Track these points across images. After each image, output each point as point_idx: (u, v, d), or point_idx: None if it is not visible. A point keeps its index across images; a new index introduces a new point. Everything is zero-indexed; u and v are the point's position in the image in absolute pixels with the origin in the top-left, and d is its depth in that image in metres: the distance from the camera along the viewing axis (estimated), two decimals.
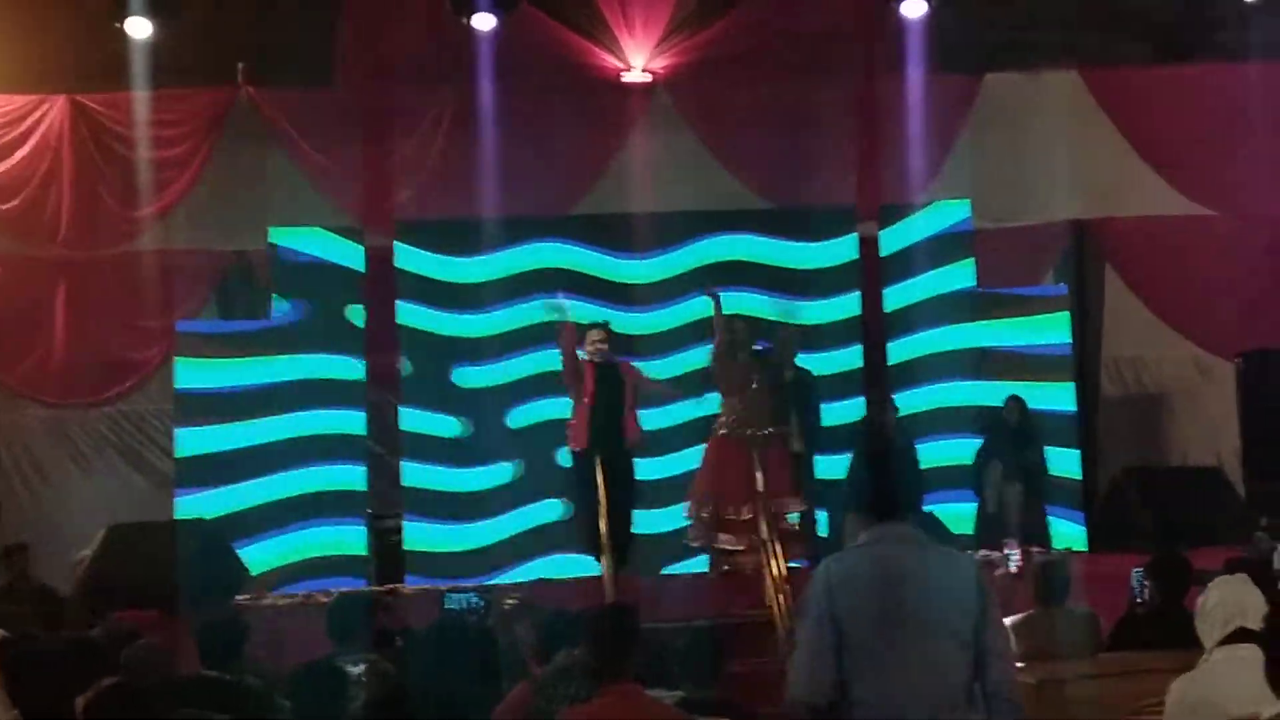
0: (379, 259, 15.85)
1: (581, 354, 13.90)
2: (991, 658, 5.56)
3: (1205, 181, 16.68)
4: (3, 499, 15.59)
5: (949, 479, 15.39)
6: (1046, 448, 15.17)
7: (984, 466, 14.97)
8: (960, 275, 15.99)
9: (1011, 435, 14.87)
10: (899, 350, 15.97)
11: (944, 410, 15.75)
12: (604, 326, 14.20)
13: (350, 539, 15.22)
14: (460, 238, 15.97)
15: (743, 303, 15.60)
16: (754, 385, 13.94)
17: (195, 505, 14.86)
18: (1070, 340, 16.07)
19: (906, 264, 16.04)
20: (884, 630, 5.50)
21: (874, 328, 15.99)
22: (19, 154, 16.14)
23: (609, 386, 13.80)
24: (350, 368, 15.51)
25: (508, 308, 15.87)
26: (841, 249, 16.17)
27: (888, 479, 5.87)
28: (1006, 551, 10.29)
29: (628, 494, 13.79)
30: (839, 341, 15.72)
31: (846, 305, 16.06)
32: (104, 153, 16.22)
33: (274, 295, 15.73)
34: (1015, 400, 14.97)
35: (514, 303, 15.88)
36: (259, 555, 14.32)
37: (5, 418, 15.87)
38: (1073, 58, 17.22)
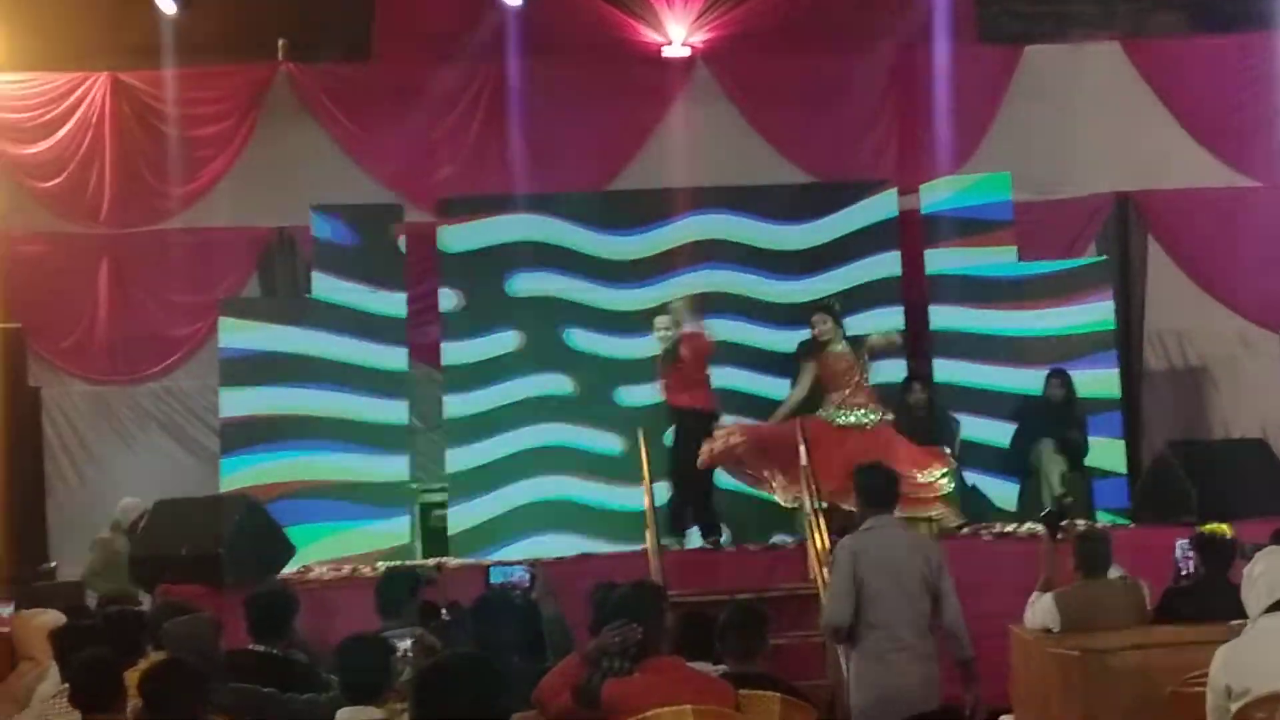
0: (420, 234, 15.84)
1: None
2: (945, 598, 8.66)
3: (1248, 152, 16.63)
4: (49, 475, 15.67)
5: (988, 457, 15.37)
6: (1089, 421, 15.09)
7: (1026, 442, 14.90)
8: (1001, 256, 15.89)
9: (1055, 411, 14.79)
10: (939, 318, 15.90)
11: (984, 390, 15.66)
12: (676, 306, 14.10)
13: (394, 527, 15.21)
14: (499, 211, 15.98)
15: (772, 281, 15.67)
16: (857, 378, 13.64)
17: (240, 471, 14.90)
18: (1113, 314, 15.98)
19: (946, 234, 15.94)
20: (883, 581, 8.57)
21: (915, 291, 15.91)
22: (61, 132, 16.25)
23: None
24: (393, 356, 15.48)
25: (538, 279, 15.93)
26: (881, 213, 16.09)
27: (882, 483, 9.02)
28: (1042, 518, 10.26)
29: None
30: (880, 303, 15.60)
31: (887, 265, 15.98)
32: (145, 130, 16.32)
33: (314, 277, 15.71)
34: (1059, 375, 14.87)
35: (543, 274, 15.93)
36: (303, 536, 14.32)
37: (50, 394, 15.95)
38: (1113, 28, 17.17)
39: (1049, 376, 14.89)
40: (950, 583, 8.69)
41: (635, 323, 15.43)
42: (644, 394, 15.03)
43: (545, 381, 15.78)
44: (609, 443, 15.45)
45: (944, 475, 13.43)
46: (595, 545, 14.53)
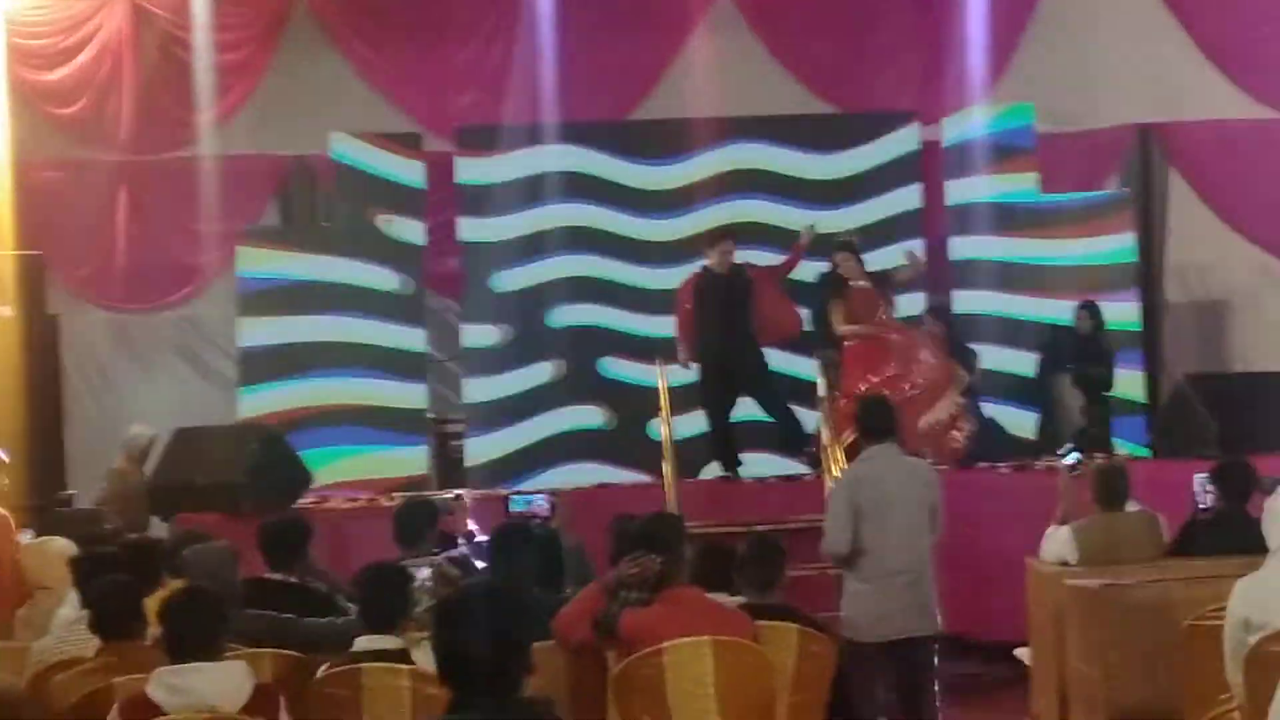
0: (440, 163, 15.81)
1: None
2: (935, 516, 9.18)
3: (1273, 85, 16.49)
4: (67, 402, 15.69)
5: (1007, 387, 15.34)
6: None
7: (1048, 374, 14.88)
8: (1023, 184, 15.83)
9: (1080, 343, 14.74)
10: (960, 249, 15.85)
11: (1004, 319, 15.64)
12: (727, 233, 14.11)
13: (410, 455, 15.24)
14: (516, 141, 15.94)
15: (799, 211, 15.58)
16: (882, 314, 13.69)
17: (258, 399, 14.95)
18: (1135, 248, 15.92)
19: (968, 164, 15.85)
20: (880, 508, 9.03)
21: (935, 224, 15.86)
22: (80, 58, 16.21)
23: (722, 296, 13.71)
24: (411, 283, 15.47)
25: (553, 208, 15.91)
26: (903, 147, 16.03)
27: (881, 415, 9.54)
28: (1066, 457, 10.23)
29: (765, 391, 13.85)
30: (900, 236, 15.56)
31: (907, 199, 15.93)
32: (165, 56, 16.27)
33: (333, 205, 15.70)
34: (1087, 307, 14.79)
35: (558, 203, 15.91)
36: (320, 460, 14.34)
37: (68, 321, 15.95)
38: None
39: (1078, 308, 14.83)
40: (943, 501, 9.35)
41: (665, 253, 15.53)
42: (663, 325, 15.06)
43: (571, 312, 15.80)
44: (634, 372, 15.40)
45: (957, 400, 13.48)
46: (616, 475, 14.60)
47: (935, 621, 9.26)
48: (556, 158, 15.95)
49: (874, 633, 8.96)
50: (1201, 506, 10.00)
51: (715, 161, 16.01)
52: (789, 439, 13.90)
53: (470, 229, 15.79)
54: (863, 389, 12.84)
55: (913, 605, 9.05)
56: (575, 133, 16.04)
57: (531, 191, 15.87)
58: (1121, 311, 15.34)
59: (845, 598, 9.19)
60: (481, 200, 15.79)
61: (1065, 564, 9.35)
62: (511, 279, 15.78)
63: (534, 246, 15.85)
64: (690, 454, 14.00)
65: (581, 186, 15.93)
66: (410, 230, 15.49)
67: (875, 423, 9.49)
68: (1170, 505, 9.93)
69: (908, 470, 9.35)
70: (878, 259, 14.30)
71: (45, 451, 14.70)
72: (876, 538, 9.00)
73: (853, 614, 9.09)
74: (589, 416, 15.69)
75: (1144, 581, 8.69)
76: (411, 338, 15.43)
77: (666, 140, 16.11)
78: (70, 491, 14.65)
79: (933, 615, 9.21)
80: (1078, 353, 14.72)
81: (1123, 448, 14.25)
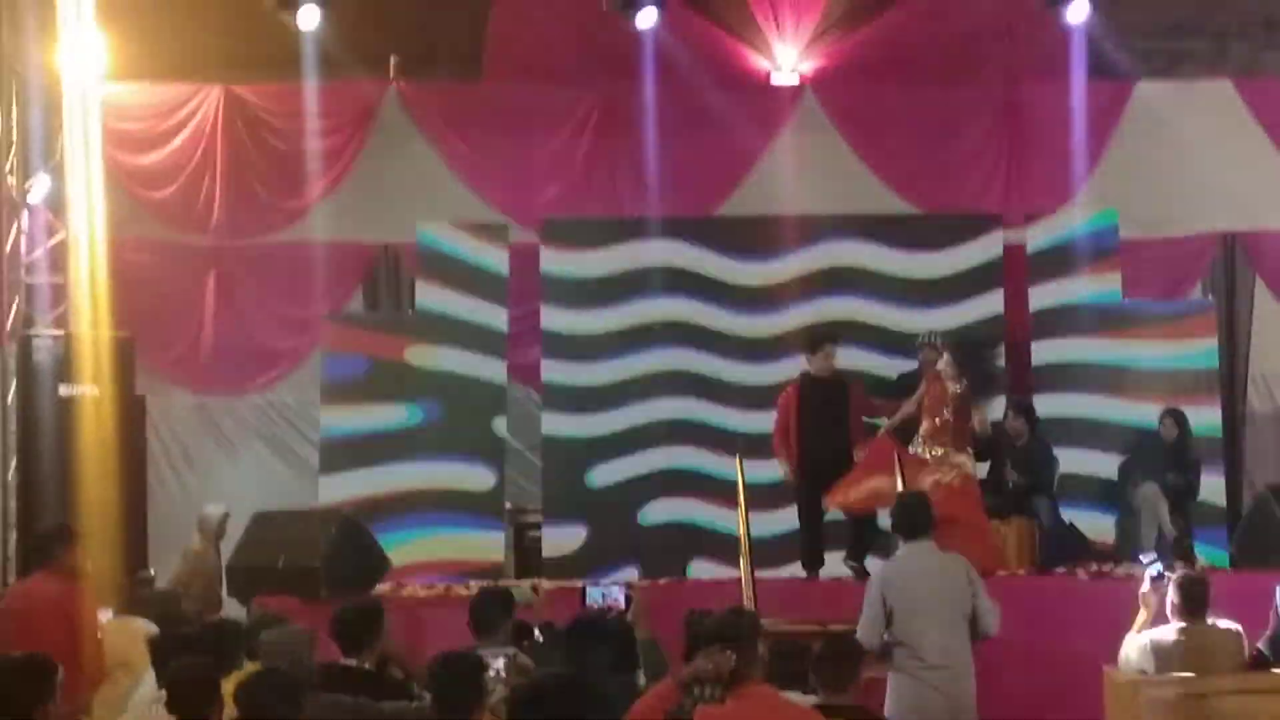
0: (524, 254, 15.93)
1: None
2: (981, 614, 9.40)
3: None
4: (152, 485, 15.81)
5: (1087, 490, 15.26)
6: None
7: (1131, 479, 14.77)
8: (1106, 286, 15.80)
9: (1165, 450, 14.65)
10: (1042, 354, 15.81)
11: (1084, 421, 15.57)
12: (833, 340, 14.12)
13: (487, 541, 15.33)
14: (602, 235, 16.06)
15: (877, 310, 15.69)
16: (948, 415, 13.66)
17: (338, 484, 15.07)
18: (1217, 356, 15.86)
19: (1052, 270, 15.86)
20: (912, 606, 9.36)
21: (1017, 332, 15.83)
22: (174, 143, 16.41)
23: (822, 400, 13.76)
24: (492, 368, 15.58)
25: (640, 303, 15.98)
26: (985, 250, 16.03)
27: (914, 513, 9.89)
28: (1150, 566, 10.15)
29: None
30: (985, 342, 15.53)
31: (988, 305, 15.91)
32: (256, 143, 16.47)
33: (418, 290, 15.86)
34: (1173, 414, 14.71)
35: (649, 299, 15.97)
36: (398, 546, 14.41)
37: (155, 404, 16.06)
38: (1226, 67, 17.05)
39: (1163, 414, 14.75)
40: (986, 597, 9.56)
41: (756, 349, 15.68)
42: (751, 420, 15.13)
43: (658, 407, 15.86)
44: (717, 466, 15.39)
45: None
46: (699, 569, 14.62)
47: (973, 716, 9.53)
48: (644, 252, 16.04)
49: None
50: None
51: (804, 259, 16.07)
52: (854, 548, 13.81)
53: (554, 318, 15.86)
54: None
55: (953, 700, 9.35)
56: (661, 228, 16.16)
57: (621, 284, 15.97)
58: (1203, 418, 15.26)
59: (888, 693, 9.40)
60: (566, 291, 15.88)
61: (1143, 673, 9.28)
62: (595, 372, 15.83)
63: (622, 339, 15.92)
64: (770, 551, 13.99)
65: (670, 281, 15.99)
66: (495, 317, 15.60)
67: (911, 521, 9.86)
68: (1249, 617, 9.83)
69: (940, 568, 9.65)
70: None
71: (128, 531, 14.79)
72: (912, 635, 9.36)
73: (895, 709, 9.24)
74: (672, 509, 15.69)
75: (1224, 693, 8.62)
76: (492, 424, 15.56)
77: (753, 237, 16.16)
78: (151, 572, 14.74)
79: (972, 710, 9.49)
80: (1164, 460, 14.63)
81: (1203, 558, 14.13)
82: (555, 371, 15.85)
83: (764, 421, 14.62)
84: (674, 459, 15.78)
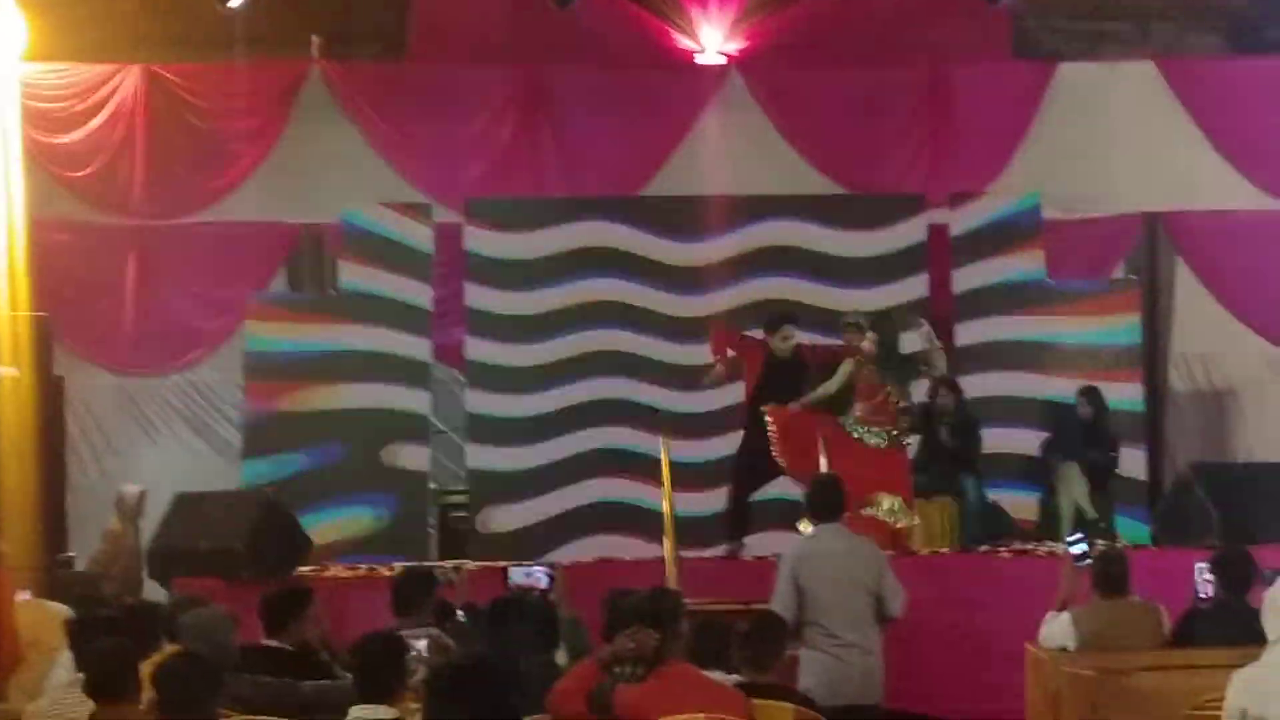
0: (448, 235, 15.87)
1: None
2: (888, 597, 9.53)
3: None
4: (70, 466, 15.69)
5: (1010, 468, 15.30)
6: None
7: (1052, 458, 14.85)
8: (1029, 266, 15.88)
9: (1083, 429, 14.73)
10: (965, 334, 15.86)
11: (1008, 399, 15.63)
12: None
13: (413, 516, 15.29)
14: (527, 215, 16.01)
15: (805, 289, 15.67)
16: (882, 397, 13.65)
17: (261, 471, 14.98)
18: (1140, 333, 15.95)
19: (975, 250, 15.91)
20: (822, 584, 9.45)
21: (941, 311, 15.86)
22: (93, 123, 16.29)
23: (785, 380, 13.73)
24: (416, 345, 15.54)
25: (568, 285, 15.90)
26: (910, 234, 16.05)
27: (828, 494, 10.00)
28: (1074, 545, 10.22)
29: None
30: (906, 325, 15.56)
31: (913, 288, 15.93)
32: (178, 123, 16.35)
33: (341, 269, 15.79)
34: (1089, 393, 14.80)
35: (575, 280, 15.91)
36: (321, 525, 14.35)
37: (74, 385, 15.91)
38: (1148, 48, 17.14)
39: (1079, 393, 14.83)
40: (893, 580, 9.65)
41: (685, 328, 15.61)
42: (674, 399, 15.18)
43: (585, 387, 15.81)
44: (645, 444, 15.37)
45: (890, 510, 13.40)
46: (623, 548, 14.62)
47: (880, 691, 9.64)
48: (569, 232, 15.97)
49: (828, 700, 8.90)
50: (1202, 596, 9.97)
51: (730, 240, 16.01)
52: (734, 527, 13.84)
53: (478, 296, 15.80)
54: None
55: (858, 674, 9.45)
56: (586, 207, 16.11)
57: (546, 266, 15.88)
58: (1125, 395, 15.37)
59: (801, 669, 9.35)
60: (491, 271, 15.81)
61: (1064, 650, 9.33)
62: (521, 353, 15.77)
63: (548, 321, 15.84)
64: (695, 531, 13.99)
65: (595, 261, 15.90)
66: (419, 295, 15.56)
67: (824, 501, 9.96)
68: (1171, 594, 9.91)
69: (850, 550, 9.74)
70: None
71: (47, 513, 14.66)
72: (823, 613, 9.44)
73: (808, 682, 9.19)
74: (600, 490, 15.65)
75: (1143, 669, 8.67)
76: (416, 400, 15.51)
77: (679, 217, 16.13)
78: (71, 554, 14.64)
79: (879, 686, 9.61)
80: (1084, 438, 14.71)
81: (1124, 535, 14.23)
82: (480, 350, 15.77)
83: (691, 401, 14.69)
84: (602, 439, 15.69)
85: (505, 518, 15.43)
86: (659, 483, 13.17)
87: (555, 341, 15.80)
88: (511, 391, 15.69)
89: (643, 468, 15.05)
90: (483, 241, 15.85)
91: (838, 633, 9.41)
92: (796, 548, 9.95)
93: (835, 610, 9.45)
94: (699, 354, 14.82)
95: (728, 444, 14.60)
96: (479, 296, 15.80)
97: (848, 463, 12.71)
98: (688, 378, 15.23)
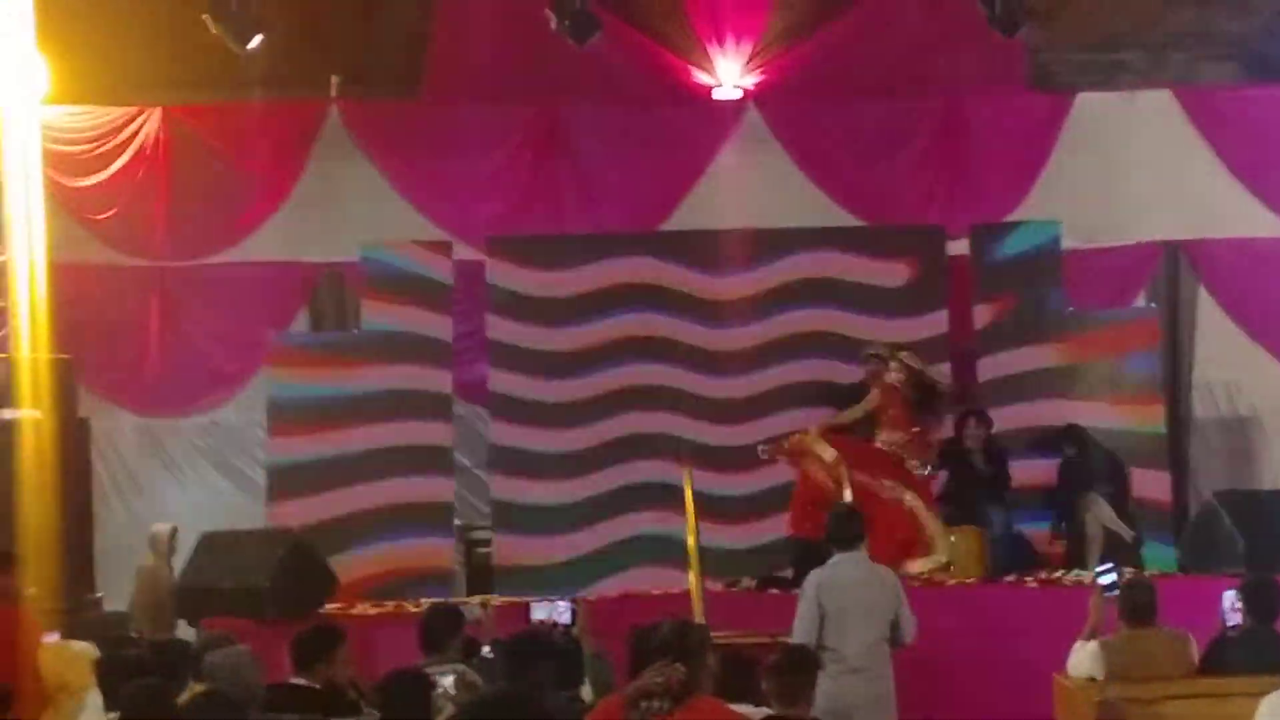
0: (468, 272, 15.90)
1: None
2: (903, 624, 9.98)
3: None
4: (96, 507, 15.72)
5: (1033, 499, 15.26)
6: (1134, 471, 15.05)
7: (1075, 488, 14.83)
8: (1051, 295, 15.87)
9: (1097, 462, 14.78)
10: (988, 366, 15.84)
11: (1031, 430, 15.60)
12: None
13: (438, 552, 15.28)
14: (549, 252, 16.03)
15: (836, 319, 15.78)
16: (910, 434, 13.84)
17: (287, 515, 14.96)
18: (1162, 363, 15.94)
19: (996, 282, 15.91)
20: (840, 611, 9.88)
21: (962, 345, 15.86)
22: (115, 165, 16.34)
23: None
24: (438, 378, 15.54)
25: (596, 322, 15.90)
26: (931, 266, 16.07)
27: (847, 525, 10.37)
28: (1103, 576, 10.19)
29: None
30: (927, 359, 15.57)
31: (934, 323, 15.94)
32: (198, 164, 16.38)
33: (364, 307, 15.81)
34: (1070, 431, 14.92)
35: (602, 317, 15.91)
36: (348, 563, 14.35)
37: (99, 426, 15.97)
38: (1165, 77, 17.15)
39: (1060, 434, 14.97)
40: (908, 609, 10.11)
41: (710, 362, 15.74)
42: (704, 432, 15.40)
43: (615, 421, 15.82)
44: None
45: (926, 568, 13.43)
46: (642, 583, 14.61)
47: (891, 712, 10.05)
48: (593, 269, 15.97)
49: None
50: (1230, 624, 9.94)
51: (752, 274, 16.05)
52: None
53: (502, 331, 15.81)
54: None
55: (868, 701, 9.88)
56: (610, 244, 16.18)
57: (569, 303, 15.89)
58: (1149, 423, 15.40)
59: (817, 694, 9.21)
60: (515, 306, 15.82)
61: (1092, 680, 9.31)
62: (552, 388, 15.78)
63: (574, 357, 15.85)
64: (721, 563, 13.99)
65: (619, 296, 15.92)
66: (441, 328, 15.59)
67: (844, 532, 10.31)
68: (1197, 622, 9.88)
69: (869, 578, 10.22)
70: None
71: (75, 554, 14.70)
72: (838, 638, 9.85)
73: (819, 713, 9.01)
74: (632, 525, 15.63)
75: (1171, 698, 8.65)
76: (439, 434, 15.50)
77: (704, 251, 16.14)
78: (99, 594, 14.67)
79: (891, 709, 10.04)
80: (1099, 471, 14.76)
81: (1150, 563, 14.20)
82: (502, 383, 15.78)
83: (718, 434, 14.91)
84: (634, 474, 15.68)
85: (530, 551, 15.41)
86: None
87: (585, 379, 15.81)
88: (538, 425, 15.68)
89: (670, 499, 15.09)
90: (506, 276, 15.86)
91: (848, 657, 9.82)
92: (820, 573, 10.23)
93: (851, 636, 9.87)
94: (733, 387, 15.02)
95: (756, 479, 14.65)
96: (502, 330, 15.81)
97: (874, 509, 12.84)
98: (721, 412, 15.35)
